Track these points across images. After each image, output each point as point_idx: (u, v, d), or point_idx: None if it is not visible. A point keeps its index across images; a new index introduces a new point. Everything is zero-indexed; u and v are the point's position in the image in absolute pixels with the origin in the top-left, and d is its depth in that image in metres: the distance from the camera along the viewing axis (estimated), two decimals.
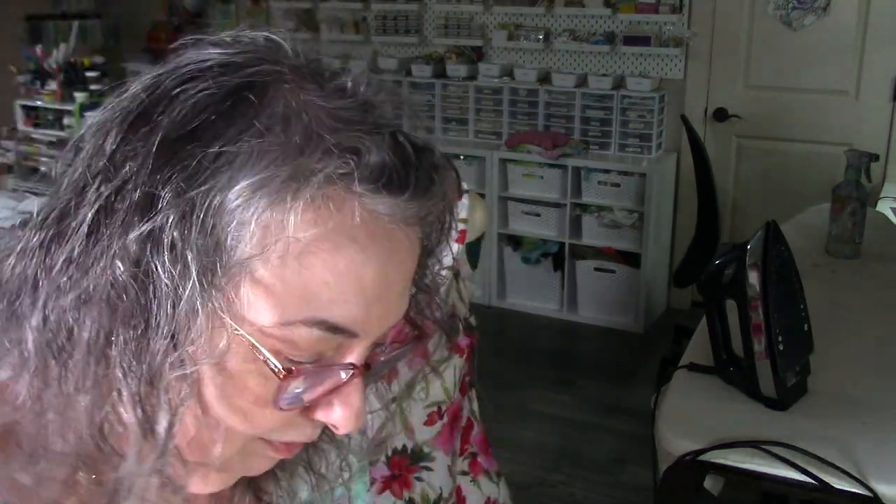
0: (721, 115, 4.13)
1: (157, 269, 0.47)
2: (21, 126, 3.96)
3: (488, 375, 3.36)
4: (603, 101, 4.18)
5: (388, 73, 4.70)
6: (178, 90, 0.50)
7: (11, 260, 0.52)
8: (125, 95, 0.53)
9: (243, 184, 0.47)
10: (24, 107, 3.95)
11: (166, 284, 0.47)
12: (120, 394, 0.49)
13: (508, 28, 4.45)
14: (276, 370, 0.50)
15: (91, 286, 0.48)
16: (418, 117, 0.59)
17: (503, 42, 4.46)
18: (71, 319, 0.49)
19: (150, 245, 0.47)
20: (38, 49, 4.03)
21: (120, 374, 0.48)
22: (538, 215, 4.27)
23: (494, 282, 4.39)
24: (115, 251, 0.48)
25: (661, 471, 1.51)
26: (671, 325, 3.81)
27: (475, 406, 1.76)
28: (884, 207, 3.08)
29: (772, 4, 3.93)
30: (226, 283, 0.48)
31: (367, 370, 0.55)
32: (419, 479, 1.62)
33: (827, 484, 1.34)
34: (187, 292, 0.47)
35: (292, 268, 0.49)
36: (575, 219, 4.21)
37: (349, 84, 0.54)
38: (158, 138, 0.49)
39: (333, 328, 0.51)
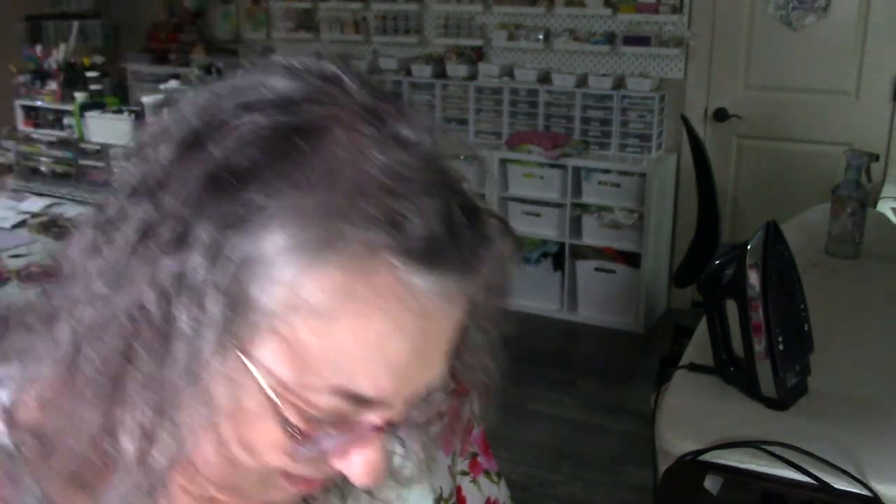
0: (721, 115, 4.13)
1: (181, 306, 0.47)
2: (21, 126, 3.95)
3: None
4: (603, 101, 4.18)
5: (389, 73, 4.70)
6: (233, 119, 0.50)
7: (69, 250, 0.53)
8: (186, 106, 0.53)
9: (278, 240, 0.46)
10: (23, 107, 3.94)
11: (188, 324, 0.47)
12: (126, 417, 0.48)
13: (508, 28, 4.45)
14: (292, 432, 0.49)
15: (120, 303, 0.48)
16: (475, 157, 0.61)
17: (503, 42, 4.46)
18: (97, 331, 0.48)
19: (178, 280, 0.47)
20: (38, 49, 4.02)
21: (131, 398, 0.48)
22: (538, 215, 4.27)
23: None
24: (147, 277, 0.47)
25: (661, 471, 1.51)
26: (671, 325, 3.81)
27: (475, 406, 1.76)
28: (884, 207, 3.08)
29: (772, 4, 3.93)
30: (248, 333, 0.47)
31: (392, 427, 0.53)
32: None
33: (827, 484, 1.34)
34: (208, 335, 0.47)
35: (316, 332, 0.47)
36: (575, 219, 4.21)
37: (412, 133, 0.52)
38: (206, 171, 0.48)
39: (355, 397, 0.49)
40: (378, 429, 0.51)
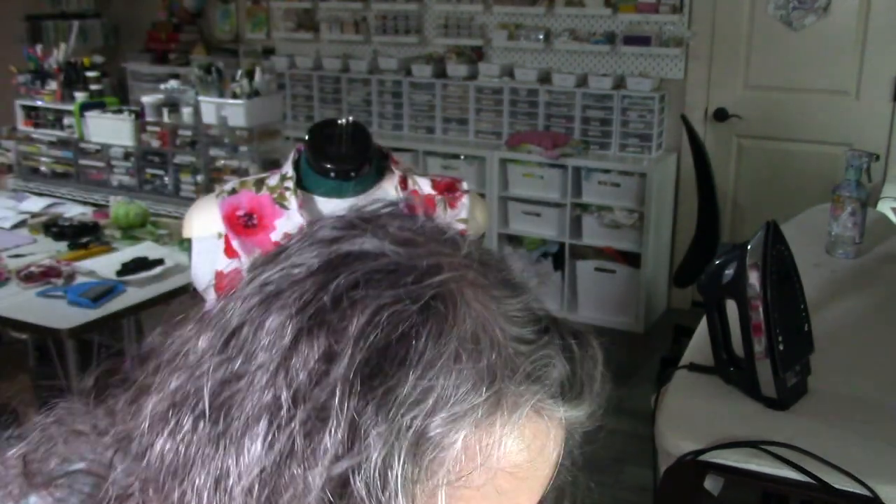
0: (721, 115, 4.13)
1: (363, 497, 0.46)
2: (21, 126, 3.94)
3: None
4: (603, 101, 4.18)
5: (389, 73, 4.70)
6: (358, 293, 0.49)
7: (162, 441, 0.50)
8: (292, 274, 0.51)
9: (445, 414, 0.47)
10: (23, 107, 3.94)
11: None
12: None
13: (509, 28, 4.45)
14: None
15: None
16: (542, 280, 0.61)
17: (503, 42, 4.46)
18: None
19: (355, 475, 0.46)
20: (38, 49, 4.02)
21: None
22: (538, 215, 4.27)
23: None
24: (318, 480, 0.46)
25: (661, 471, 1.51)
26: (671, 325, 3.82)
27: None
28: (884, 207, 3.08)
29: (772, 4, 3.93)
30: (428, 499, 0.48)
31: None
32: None
33: (827, 484, 1.34)
34: None
35: (486, 484, 0.50)
36: (575, 219, 4.21)
37: (513, 275, 0.55)
38: (354, 358, 0.47)
39: None
40: None
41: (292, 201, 1.54)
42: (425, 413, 0.47)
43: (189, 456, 0.49)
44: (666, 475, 1.48)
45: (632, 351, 3.98)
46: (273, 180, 1.57)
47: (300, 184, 1.57)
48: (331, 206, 1.55)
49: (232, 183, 1.61)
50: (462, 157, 4.43)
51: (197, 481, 0.48)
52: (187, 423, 0.49)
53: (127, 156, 3.61)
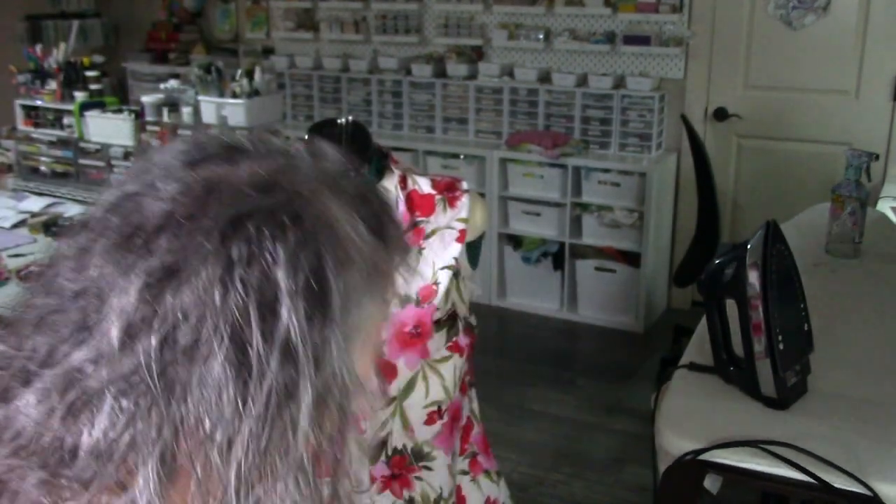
0: (721, 114, 4.13)
1: (337, 398, 0.57)
2: (21, 126, 3.94)
3: (489, 375, 3.36)
4: (603, 100, 4.18)
5: (388, 73, 4.70)
6: (265, 246, 0.54)
7: (98, 431, 0.52)
8: (187, 247, 0.54)
9: (367, 306, 0.60)
10: (23, 106, 3.94)
11: (337, 407, 0.57)
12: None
13: (508, 28, 4.45)
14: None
15: (277, 444, 0.54)
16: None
17: (503, 42, 4.46)
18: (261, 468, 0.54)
19: (331, 387, 0.56)
20: (38, 49, 4.02)
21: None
22: (538, 215, 4.27)
23: (494, 281, 4.39)
24: (305, 409, 0.54)
25: (661, 471, 1.51)
26: (671, 325, 3.81)
27: (475, 405, 1.76)
28: (884, 207, 3.08)
29: (772, 4, 3.93)
30: (365, 368, 0.61)
31: None
32: (419, 478, 1.63)
33: (827, 484, 1.34)
34: (347, 387, 0.58)
35: (379, 332, 0.64)
36: (575, 218, 4.21)
37: (343, 178, 0.63)
38: (292, 301, 0.54)
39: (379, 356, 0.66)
40: None
41: None
42: (357, 312, 0.58)
43: (137, 441, 0.51)
44: (666, 475, 1.48)
45: (632, 351, 3.98)
46: None
47: None
48: None
49: None
50: (462, 156, 4.42)
51: (151, 463, 0.51)
52: (126, 411, 0.51)
53: (127, 155, 3.60)
